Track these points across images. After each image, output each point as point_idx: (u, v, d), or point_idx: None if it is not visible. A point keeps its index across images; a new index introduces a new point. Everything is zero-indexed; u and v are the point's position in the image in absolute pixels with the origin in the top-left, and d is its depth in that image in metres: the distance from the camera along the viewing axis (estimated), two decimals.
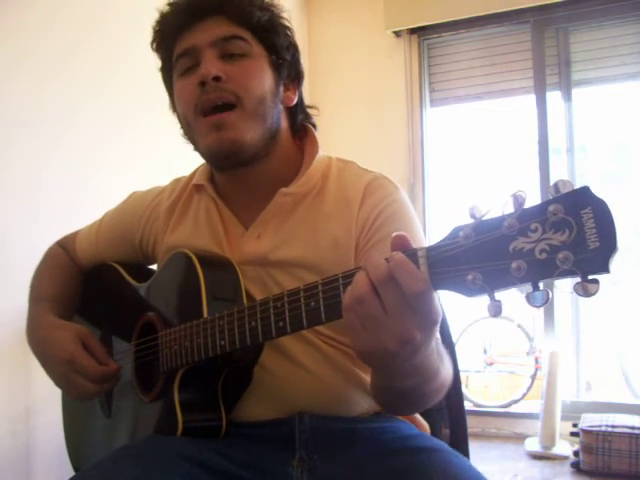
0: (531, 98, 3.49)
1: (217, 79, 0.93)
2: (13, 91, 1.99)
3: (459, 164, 3.97)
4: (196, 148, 1.03)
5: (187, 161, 1.16)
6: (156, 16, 1.03)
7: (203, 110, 0.95)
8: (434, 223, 3.70)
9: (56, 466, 1.97)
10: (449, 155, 3.92)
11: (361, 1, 3.80)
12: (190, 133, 1.02)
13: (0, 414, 1.91)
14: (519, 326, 3.92)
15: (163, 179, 1.21)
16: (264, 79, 0.98)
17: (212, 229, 1.04)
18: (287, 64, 1.03)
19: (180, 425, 0.91)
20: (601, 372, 3.76)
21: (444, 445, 0.90)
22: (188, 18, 0.98)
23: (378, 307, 0.64)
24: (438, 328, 0.67)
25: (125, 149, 2.44)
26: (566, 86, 3.45)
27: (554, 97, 3.47)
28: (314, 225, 0.98)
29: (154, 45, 1.04)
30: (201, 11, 0.98)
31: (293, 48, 1.05)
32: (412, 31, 3.67)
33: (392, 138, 3.70)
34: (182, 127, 1.05)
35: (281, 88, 1.02)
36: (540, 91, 3.47)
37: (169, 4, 1.02)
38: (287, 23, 1.04)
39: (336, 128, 3.52)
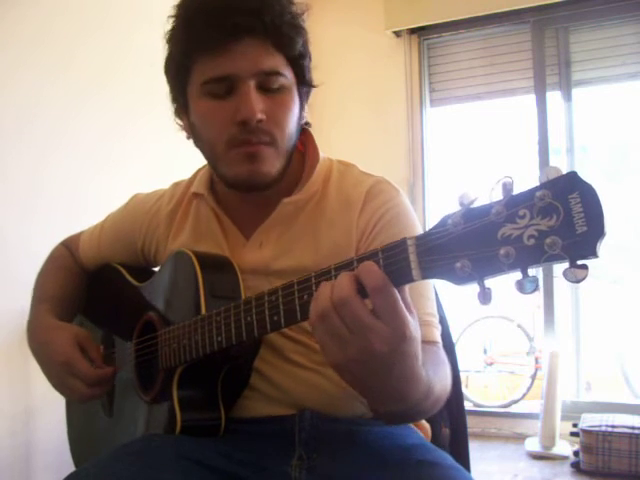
0: (531, 98, 3.50)
1: (259, 121, 0.90)
2: (13, 91, 1.99)
3: (459, 164, 3.97)
4: (214, 168, 0.99)
5: (188, 162, 1.16)
6: (170, 9, 0.94)
7: (238, 145, 0.92)
8: (434, 223, 3.69)
9: (56, 466, 1.97)
10: (449, 155, 3.92)
11: (361, 1, 3.80)
12: (211, 156, 0.97)
13: (0, 414, 1.91)
14: (519, 326, 3.92)
15: (164, 180, 1.20)
16: (295, 112, 0.95)
17: (213, 239, 1.04)
18: (310, 88, 1.00)
19: (179, 423, 0.91)
20: (601, 372, 3.77)
21: (446, 458, 0.89)
22: (223, 36, 0.88)
23: (340, 323, 0.65)
24: (416, 345, 0.66)
25: (125, 150, 2.44)
26: (566, 86, 3.46)
27: (554, 97, 3.47)
28: (315, 232, 0.98)
29: (173, 50, 0.94)
30: (240, 30, 0.88)
31: (311, 62, 0.99)
32: (412, 31, 3.67)
33: (392, 138, 3.70)
34: (197, 144, 0.99)
35: (303, 112, 1.00)
36: (540, 91, 3.47)
37: (197, 9, 0.90)
38: (307, 35, 0.97)
39: (336, 128, 3.52)
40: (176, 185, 1.15)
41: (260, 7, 0.88)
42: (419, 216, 3.53)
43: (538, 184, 0.54)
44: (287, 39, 0.91)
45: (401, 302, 0.64)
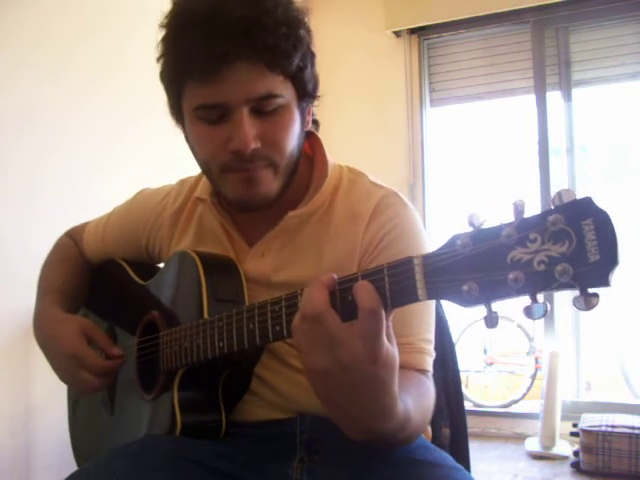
0: (531, 98, 3.50)
1: (254, 149, 0.87)
2: (13, 91, 1.99)
3: (459, 164, 3.97)
4: (212, 184, 0.98)
5: (188, 162, 1.15)
6: (161, 18, 0.89)
7: (233, 170, 0.90)
8: (434, 223, 3.70)
9: (56, 466, 1.97)
10: (449, 155, 3.92)
11: (361, 1, 3.80)
12: (208, 175, 0.96)
13: (0, 414, 1.91)
14: (519, 326, 3.92)
15: (164, 181, 1.20)
16: (295, 129, 0.91)
17: (217, 244, 1.03)
18: (312, 97, 0.95)
19: (179, 425, 0.91)
20: (601, 372, 3.77)
21: (446, 459, 0.89)
22: (213, 62, 0.82)
23: (315, 332, 0.64)
24: (389, 372, 0.64)
25: (126, 149, 2.44)
26: (566, 86, 3.46)
27: (554, 97, 3.47)
28: (319, 245, 0.96)
29: (165, 66, 0.90)
30: (230, 55, 0.82)
31: (315, 68, 0.94)
32: (412, 31, 3.67)
33: (392, 138, 3.70)
34: (194, 158, 0.97)
35: (304, 121, 0.95)
36: (540, 91, 3.47)
37: (186, 24, 0.85)
38: (309, 37, 0.91)
39: (336, 128, 3.52)
40: (182, 182, 1.14)
41: (251, 27, 0.82)
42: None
43: (551, 207, 0.53)
44: (282, 58, 0.85)
45: (385, 329, 0.63)
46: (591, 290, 0.51)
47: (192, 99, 0.88)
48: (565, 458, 2.97)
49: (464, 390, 2.77)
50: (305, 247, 0.97)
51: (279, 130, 0.89)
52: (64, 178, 2.16)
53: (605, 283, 0.50)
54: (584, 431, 2.78)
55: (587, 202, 0.52)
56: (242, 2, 0.83)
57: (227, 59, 0.82)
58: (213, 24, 0.82)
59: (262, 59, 0.84)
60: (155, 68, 0.97)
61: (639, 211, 3.43)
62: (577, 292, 0.51)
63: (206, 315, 0.91)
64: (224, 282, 0.95)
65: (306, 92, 0.92)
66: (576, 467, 2.81)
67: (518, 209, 0.55)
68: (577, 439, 2.87)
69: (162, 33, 0.89)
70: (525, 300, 0.55)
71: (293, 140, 0.91)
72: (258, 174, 0.89)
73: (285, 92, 0.88)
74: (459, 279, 0.57)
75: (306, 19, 0.90)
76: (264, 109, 0.87)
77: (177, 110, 0.94)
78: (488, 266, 0.56)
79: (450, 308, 1.22)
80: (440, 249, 0.60)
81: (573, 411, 3.20)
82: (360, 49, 3.77)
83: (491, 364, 4.08)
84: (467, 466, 1.17)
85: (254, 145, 0.86)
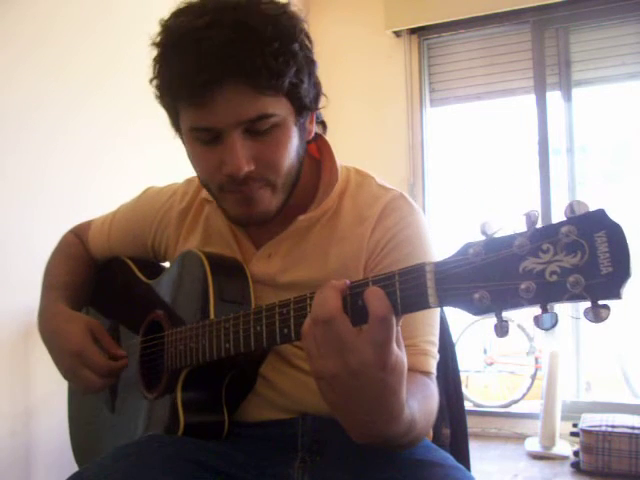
0: (531, 98, 3.50)
1: (248, 171, 0.85)
2: (13, 91, 1.99)
3: (459, 164, 3.97)
4: (216, 202, 0.98)
5: (189, 162, 1.15)
6: (157, 27, 0.87)
7: (230, 191, 0.89)
8: (434, 223, 3.70)
9: (56, 466, 1.97)
10: (449, 155, 3.92)
11: (361, 1, 3.80)
12: (207, 191, 0.97)
13: (0, 414, 1.91)
14: (519, 326, 3.92)
15: (164, 180, 1.20)
16: (292, 145, 0.89)
17: (224, 245, 1.03)
18: (311, 109, 0.93)
19: (182, 424, 0.91)
20: (601, 372, 3.76)
21: (447, 458, 0.90)
22: (201, 88, 0.81)
23: (325, 337, 0.64)
24: (397, 377, 0.64)
25: (126, 149, 2.44)
26: (566, 86, 3.46)
27: (554, 97, 3.47)
28: (326, 247, 0.96)
29: (159, 86, 0.89)
30: (217, 81, 0.80)
31: (315, 78, 0.91)
32: (412, 31, 3.67)
33: (392, 138, 3.70)
34: (195, 172, 0.97)
35: (304, 133, 0.93)
36: (540, 91, 3.47)
37: (174, 47, 0.84)
38: (308, 43, 0.88)
39: (336, 128, 3.51)
40: (189, 182, 1.14)
41: (238, 50, 0.79)
42: None
43: (564, 218, 0.53)
44: (273, 78, 0.82)
45: (395, 335, 0.63)
46: (602, 302, 0.51)
47: (186, 120, 0.88)
48: (565, 458, 2.97)
49: (464, 390, 2.76)
50: (312, 250, 0.97)
51: (274, 150, 0.87)
52: (64, 178, 2.16)
53: (617, 295, 0.50)
54: (584, 431, 2.79)
55: (600, 214, 0.52)
56: (229, 23, 0.81)
57: (215, 84, 0.81)
58: (200, 48, 0.80)
59: (251, 82, 0.81)
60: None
61: (639, 211, 3.43)
62: (588, 304, 0.52)
63: (212, 315, 0.91)
64: (231, 283, 0.96)
65: (303, 106, 0.89)
66: (576, 467, 2.81)
67: (531, 219, 0.55)
68: (577, 439, 2.87)
69: (153, 53, 0.88)
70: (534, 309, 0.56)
71: (290, 157, 0.89)
72: (255, 195, 0.89)
73: (279, 110, 0.85)
74: (471, 287, 0.58)
75: (303, 27, 0.88)
76: (258, 129, 0.85)
77: (176, 125, 0.94)
78: (500, 275, 0.56)
79: (450, 308, 1.22)
80: (452, 257, 0.60)
81: (573, 411, 3.21)
82: (360, 49, 3.77)
83: (491, 364, 4.08)
84: (467, 466, 1.17)
85: (247, 168, 0.85)
